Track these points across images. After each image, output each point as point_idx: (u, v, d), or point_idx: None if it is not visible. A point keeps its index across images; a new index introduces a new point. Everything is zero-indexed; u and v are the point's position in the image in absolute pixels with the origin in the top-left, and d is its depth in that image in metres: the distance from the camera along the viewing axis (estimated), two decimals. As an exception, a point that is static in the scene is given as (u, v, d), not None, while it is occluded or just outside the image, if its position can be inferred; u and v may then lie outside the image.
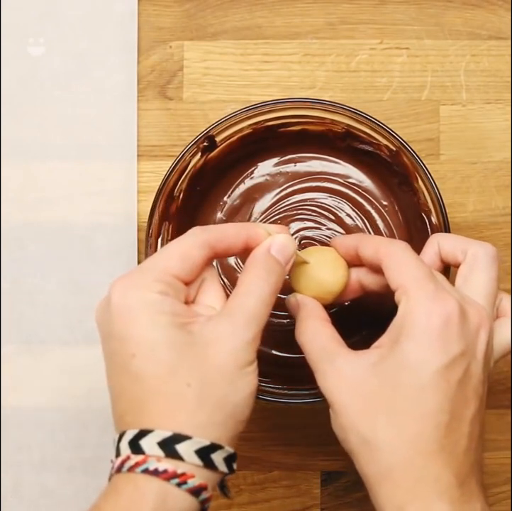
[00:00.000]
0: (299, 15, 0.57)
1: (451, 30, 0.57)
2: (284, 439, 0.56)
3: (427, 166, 0.50)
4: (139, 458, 0.36)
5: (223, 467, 0.38)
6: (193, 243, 0.40)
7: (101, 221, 0.56)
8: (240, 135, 0.52)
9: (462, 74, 0.57)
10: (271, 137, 0.53)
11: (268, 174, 0.55)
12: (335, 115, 0.51)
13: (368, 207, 0.54)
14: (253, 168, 0.55)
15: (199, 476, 0.36)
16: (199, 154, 0.51)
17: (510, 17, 0.57)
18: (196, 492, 0.36)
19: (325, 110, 0.51)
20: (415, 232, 0.53)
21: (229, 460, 0.38)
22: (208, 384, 0.38)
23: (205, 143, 0.51)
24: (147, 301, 0.38)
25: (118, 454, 0.37)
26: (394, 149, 0.51)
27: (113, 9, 0.57)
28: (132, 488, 0.36)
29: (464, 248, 0.43)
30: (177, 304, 0.39)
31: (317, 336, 0.42)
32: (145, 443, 0.36)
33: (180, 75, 0.57)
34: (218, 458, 0.37)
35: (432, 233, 0.51)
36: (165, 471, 0.36)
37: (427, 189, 0.50)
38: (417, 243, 0.53)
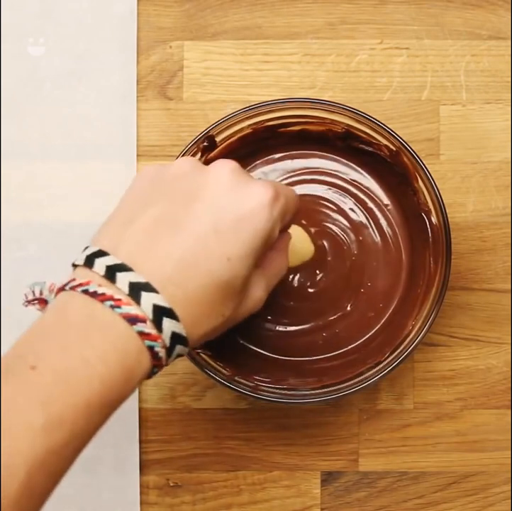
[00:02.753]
0: (299, 15, 0.57)
1: (451, 30, 0.57)
2: (284, 439, 0.56)
3: (427, 166, 0.50)
4: (83, 280, 0.36)
5: (167, 335, 0.36)
6: (296, 200, 0.43)
7: (101, 221, 0.56)
8: (240, 135, 0.52)
9: (462, 74, 0.57)
10: (271, 137, 0.53)
11: (268, 174, 0.55)
12: (335, 115, 0.51)
13: (371, 205, 0.54)
14: (253, 168, 0.55)
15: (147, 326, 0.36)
16: (199, 154, 0.51)
17: (510, 17, 0.57)
18: (130, 319, 0.35)
19: (325, 110, 0.51)
20: (415, 232, 0.53)
21: (178, 340, 0.37)
22: (229, 323, 0.39)
23: (205, 143, 0.51)
24: (273, 231, 0.40)
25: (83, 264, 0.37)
26: (394, 149, 0.51)
27: (113, 9, 0.57)
28: (65, 303, 0.36)
29: None
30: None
31: None
32: (146, 298, 0.36)
33: (180, 75, 0.57)
34: (169, 325, 0.36)
35: (433, 233, 0.51)
36: (103, 294, 0.35)
37: (427, 189, 0.50)
38: (417, 243, 0.53)
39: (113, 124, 0.57)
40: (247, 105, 0.51)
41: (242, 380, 0.51)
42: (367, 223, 0.54)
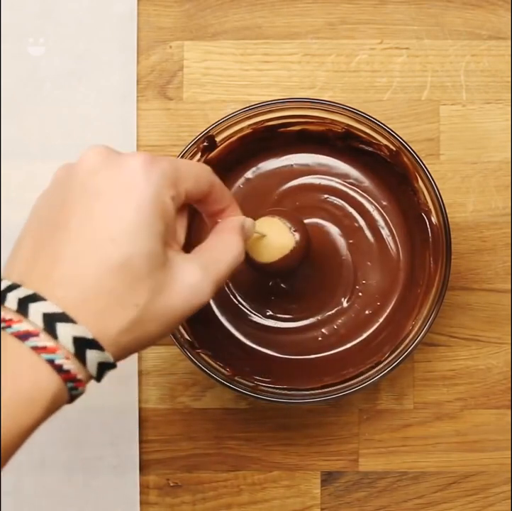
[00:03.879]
0: (299, 15, 0.57)
1: (451, 30, 0.57)
2: (284, 439, 0.56)
3: (427, 166, 0.50)
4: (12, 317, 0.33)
5: (93, 368, 0.34)
6: (206, 171, 0.39)
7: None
8: (240, 135, 0.52)
9: (462, 74, 0.57)
10: (271, 137, 0.53)
11: (268, 174, 0.55)
12: (335, 115, 0.51)
13: (367, 205, 0.54)
14: (253, 168, 0.55)
15: (71, 363, 0.33)
16: (199, 154, 0.51)
17: (510, 17, 0.57)
18: (22, 336, 0.32)
19: (325, 110, 0.51)
20: (415, 232, 0.53)
21: (85, 344, 0.33)
22: (151, 317, 0.35)
23: (205, 143, 0.51)
24: (161, 196, 0.35)
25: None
26: (394, 149, 0.51)
27: (113, 9, 0.57)
28: None
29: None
30: (174, 220, 0.37)
31: None
32: (34, 307, 0.33)
33: (180, 75, 0.57)
34: (66, 330, 0.33)
35: (433, 233, 0.51)
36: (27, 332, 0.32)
37: (427, 189, 0.50)
38: (417, 243, 0.53)
39: (113, 124, 0.57)
40: (247, 105, 0.51)
41: (242, 380, 0.51)
42: (362, 224, 0.54)
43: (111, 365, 0.34)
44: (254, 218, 0.44)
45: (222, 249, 0.39)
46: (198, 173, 0.38)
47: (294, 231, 0.48)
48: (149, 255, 0.34)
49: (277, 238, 0.48)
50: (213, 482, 0.56)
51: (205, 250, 0.38)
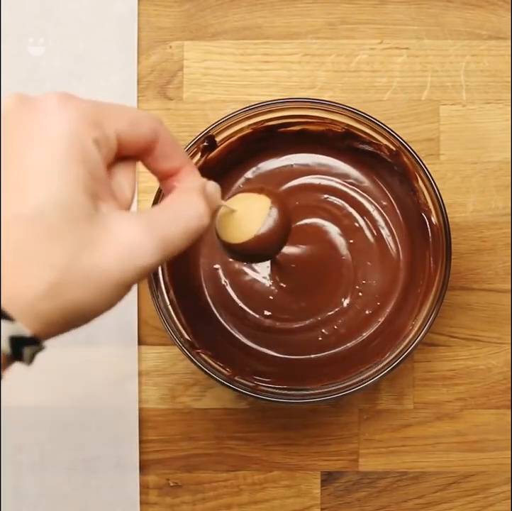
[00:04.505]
0: (299, 15, 0.57)
1: (451, 30, 0.57)
2: (284, 439, 0.56)
3: (427, 166, 0.50)
4: None
5: (5, 344, 0.28)
6: (148, 116, 0.34)
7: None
8: (240, 135, 0.52)
9: (462, 74, 0.57)
10: (271, 137, 0.53)
11: (268, 174, 0.55)
12: (335, 115, 0.51)
13: (368, 207, 0.54)
14: (253, 168, 0.55)
15: None
16: (199, 154, 0.51)
17: (510, 17, 0.57)
18: None
19: (325, 110, 0.51)
20: (415, 232, 0.53)
21: (20, 342, 0.29)
22: (75, 280, 0.29)
23: (205, 143, 0.51)
24: (79, 135, 0.30)
25: None
26: (394, 149, 0.51)
27: (113, 9, 0.57)
28: None
29: None
30: (101, 167, 0.31)
31: None
32: None
33: (180, 75, 0.57)
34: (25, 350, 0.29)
35: (433, 233, 0.51)
36: None
37: (427, 189, 0.50)
38: (417, 243, 0.53)
39: (113, 124, 0.57)
40: (247, 105, 0.51)
41: (242, 380, 0.51)
42: (362, 224, 0.54)
43: (32, 341, 0.29)
44: (228, 197, 0.41)
45: (176, 208, 0.33)
46: (134, 116, 0.33)
47: (272, 209, 0.41)
48: (64, 205, 0.29)
49: (249, 215, 0.41)
50: (213, 482, 0.56)
51: (153, 211, 0.33)
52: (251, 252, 0.42)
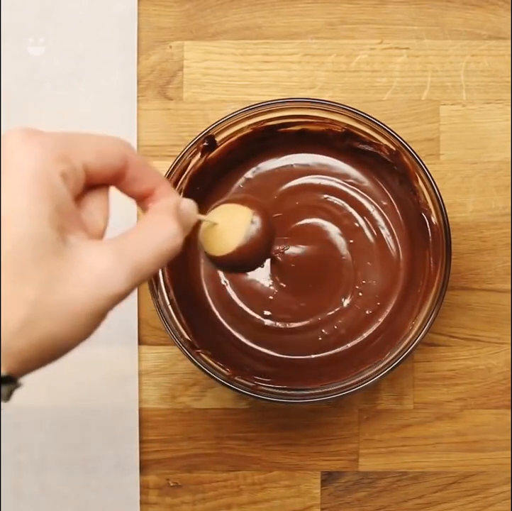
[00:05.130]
0: (299, 15, 0.57)
1: (451, 30, 0.57)
2: (284, 439, 0.56)
3: (427, 166, 0.50)
4: None
5: None
6: (116, 144, 0.33)
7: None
8: (240, 135, 0.52)
9: (462, 74, 0.57)
10: (271, 137, 0.53)
11: (268, 174, 0.55)
12: (335, 115, 0.51)
13: (368, 207, 0.54)
14: (253, 168, 0.55)
15: None
16: (199, 154, 0.51)
17: (510, 17, 0.57)
18: None
19: (325, 110, 0.51)
20: (415, 232, 0.53)
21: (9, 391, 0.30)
22: (48, 314, 0.29)
23: (205, 143, 0.51)
24: (45, 171, 0.30)
25: None
26: (394, 149, 0.51)
27: (113, 9, 0.57)
28: None
29: None
30: (69, 200, 0.31)
31: None
32: None
33: (180, 75, 0.57)
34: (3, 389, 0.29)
35: (433, 233, 0.51)
36: None
37: (427, 189, 0.50)
38: (417, 243, 0.53)
39: (113, 124, 0.57)
40: (247, 105, 0.51)
41: (242, 380, 0.51)
42: (362, 224, 0.54)
43: (7, 380, 0.29)
44: (211, 209, 0.41)
45: (148, 232, 0.33)
46: (101, 145, 0.33)
47: (254, 219, 0.42)
48: (32, 241, 0.29)
49: (231, 227, 0.41)
50: (213, 482, 0.56)
51: (125, 235, 0.33)
52: (234, 263, 0.42)
